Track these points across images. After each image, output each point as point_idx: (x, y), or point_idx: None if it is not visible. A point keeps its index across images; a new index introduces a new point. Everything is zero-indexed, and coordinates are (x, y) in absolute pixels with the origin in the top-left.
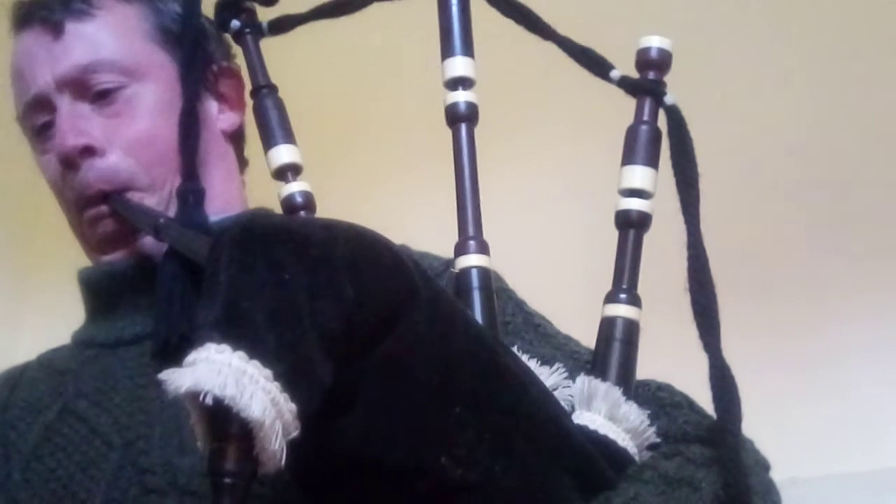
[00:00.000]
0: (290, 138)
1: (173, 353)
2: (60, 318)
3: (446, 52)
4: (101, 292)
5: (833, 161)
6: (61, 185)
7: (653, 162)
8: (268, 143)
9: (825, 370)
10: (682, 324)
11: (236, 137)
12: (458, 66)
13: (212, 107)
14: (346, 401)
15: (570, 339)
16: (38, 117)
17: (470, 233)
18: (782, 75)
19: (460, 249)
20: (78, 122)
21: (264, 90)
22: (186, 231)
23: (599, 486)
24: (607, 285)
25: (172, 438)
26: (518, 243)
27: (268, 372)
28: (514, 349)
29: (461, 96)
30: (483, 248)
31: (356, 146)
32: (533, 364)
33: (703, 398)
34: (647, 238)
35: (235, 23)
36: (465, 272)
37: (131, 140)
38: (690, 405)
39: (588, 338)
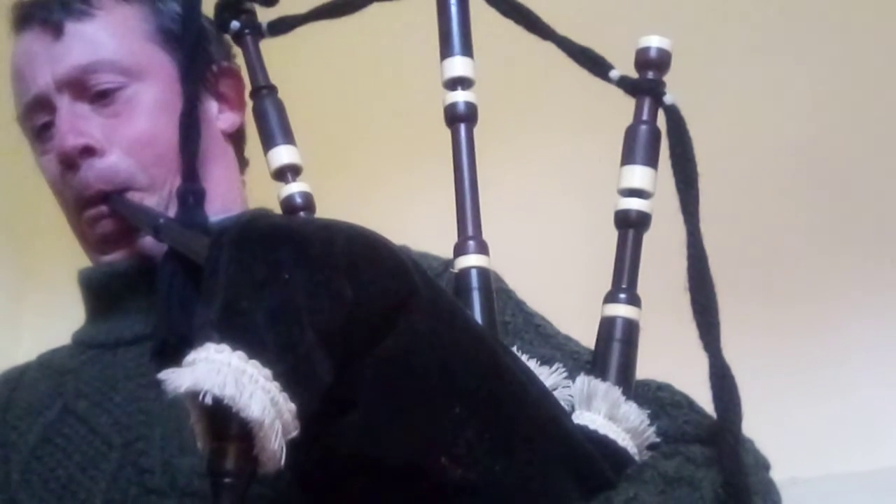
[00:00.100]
0: (289, 139)
1: (173, 353)
2: (60, 318)
3: (445, 52)
4: (101, 292)
5: (833, 161)
6: (61, 185)
7: (652, 162)
8: (267, 143)
9: (825, 370)
10: (682, 324)
11: (236, 137)
12: (457, 66)
13: (212, 107)
14: (346, 400)
15: (570, 339)
16: (37, 118)
17: (469, 233)
18: (782, 75)
19: (459, 250)
20: (78, 123)
21: (264, 91)
22: (186, 231)
23: (599, 486)
24: (607, 285)
25: (172, 439)
26: (517, 243)
27: (267, 371)
28: (514, 349)
29: (460, 96)
30: (482, 249)
31: (356, 146)
32: (533, 364)
33: (703, 398)
34: (647, 238)
35: (235, 24)
36: (465, 272)
37: (131, 140)
38: (690, 405)
39: (588, 338)
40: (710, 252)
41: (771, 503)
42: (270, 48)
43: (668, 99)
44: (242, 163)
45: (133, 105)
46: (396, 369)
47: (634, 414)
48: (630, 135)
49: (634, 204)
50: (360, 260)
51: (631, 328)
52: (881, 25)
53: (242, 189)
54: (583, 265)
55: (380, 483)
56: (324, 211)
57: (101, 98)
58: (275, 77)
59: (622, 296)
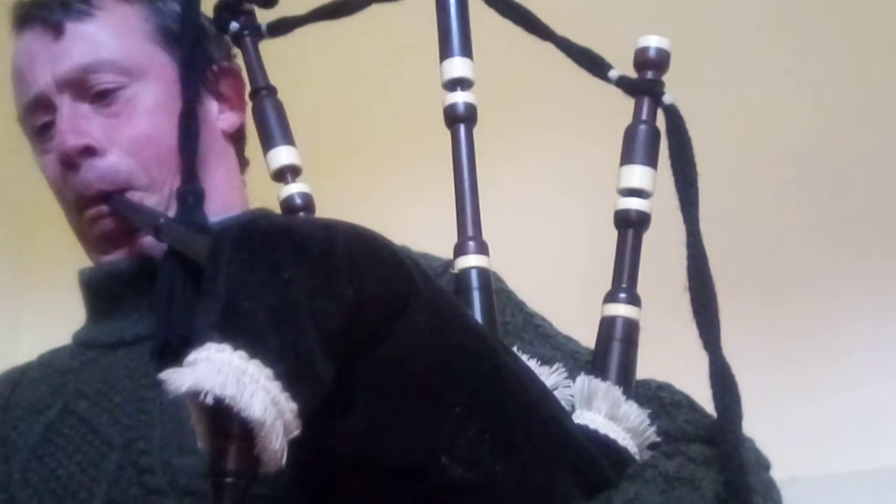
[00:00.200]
0: (289, 140)
1: (174, 353)
2: (60, 318)
3: (445, 53)
4: (101, 293)
5: (833, 161)
6: (62, 185)
7: (651, 161)
8: (267, 144)
9: (825, 369)
10: (682, 323)
11: (237, 137)
12: (457, 66)
13: (212, 107)
14: (347, 400)
15: (570, 340)
16: (38, 117)
17: (469, 233)
18: (782, 75)
19: (460, 250)
20: (78, 123)
21: (263, 92)
22: (187, 231)
23: (600, 486)
24: (607, 285)
25: (173, 439)
26: (517, 243)
27: (268, 371)
28: (514, 350)
29: (460, 97)
30: (482, 249)
31: (356, 147)
32: (533, 364)
33: (704, 397)
34: (647, 238)
35: (234, 25)
36: (465, 273)
37: (131, 140)
38: (691, 404)
39: (588, 338)
40: (710, 252)
41: (772, 502)
42: (270, 49)
43: (667, 99)
44: (243, 162)
45: (133, 105)
46: (397, 369)
47: (635, 413)
48: (629, 135)
49: (634, 204)
50: (361, 260)
51: (631, 328)
52: (881, 25)
53: (243, 189)
54: (583, 265)
55: (380, 483)
56: (324, 211)
57: (101, 98)
58: (274, 78)
59: (622, 295)
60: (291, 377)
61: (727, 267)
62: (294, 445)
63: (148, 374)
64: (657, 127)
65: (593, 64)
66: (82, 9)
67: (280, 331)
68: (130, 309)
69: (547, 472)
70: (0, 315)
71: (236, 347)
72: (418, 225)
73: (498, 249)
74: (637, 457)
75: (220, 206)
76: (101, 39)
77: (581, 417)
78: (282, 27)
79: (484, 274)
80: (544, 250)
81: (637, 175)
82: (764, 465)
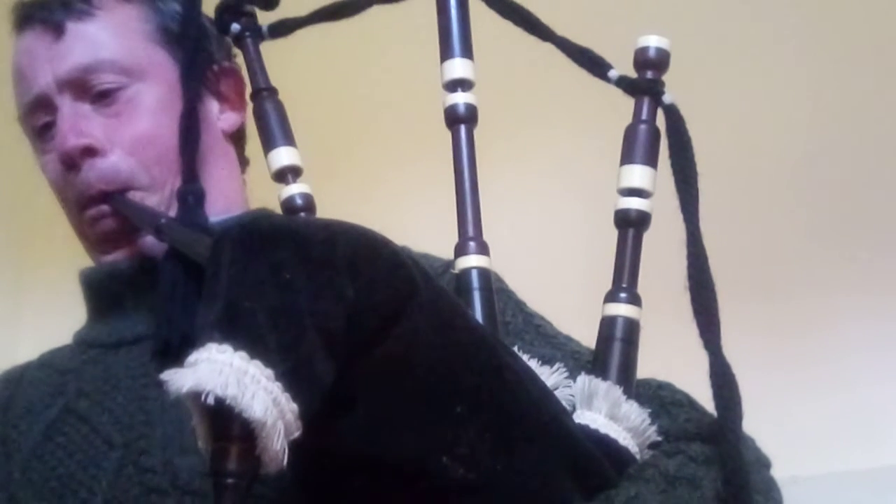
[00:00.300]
0: (289, 140)
1: (175, 354)
2: (60, 318)
3: (445, 53)
4: (102, 292)
5: (832, 160)
6: (62, 185)
7: (652, 161)
8: (268, 145)
9: (825, 368)
10: (682, 323)
11: (237, 137)
12: (457, 67)
13: (213, 107)
14: (347, 401)
15: (571, 340)
16: (39, 118)
17: (470, 234)
18: (782, 74)
19: (460, 250)
20: (79, 123)
21: (264, 93)
22: (188, 231)
23: (601, 485)
24: (607, 285)
25: (173, 438)
26: (518, 243)
27: (269, 372)
28: (515, 350)
29: (460, 98)
30: (483, 249)
31: (356, 148)
32: (534, 364)
33: (704, 397)
34: (647, 237)
35: (235, 26)
36: (465, 273)
37: (132, 140)
38: (691, 403)
39: (588, 337)
40: (710, 251)
41: (772, 501)
42: (271, 49)
43: (667, 98)
44: (244, 162)
45: (134, 105)
46: (398, 369)
47: (635, 413)
48: (629, 134)
49: (634, 203)
50: (362, 260)
51: (631, 327)
52: (881, 25)
53: (244, 189)
54: (583, 265)
55: (381, 483)
56: (324, 212)
57: (102, 98)
58: (275, 79)
59: (623, 295)
60: (292, 378)
61: (727, 267)
62: (295, 446)
63: (148, 374)
64: (657, 127)
65: (593, 64)
66: (83, 9)
67: (281, 331)
68: (131, 309)
69: (547, 472)
70: (0, 315)
71: (237, 348)
72: (419, 225)
73: (498, 249)
74: (638, 456)
75: (221, 206)
76: (101, 39)
77: (582, 417)
78: (283, 28)
79: (484, 274)
80: (544, 250)
81: (637, 175)
82: (764, 463)
